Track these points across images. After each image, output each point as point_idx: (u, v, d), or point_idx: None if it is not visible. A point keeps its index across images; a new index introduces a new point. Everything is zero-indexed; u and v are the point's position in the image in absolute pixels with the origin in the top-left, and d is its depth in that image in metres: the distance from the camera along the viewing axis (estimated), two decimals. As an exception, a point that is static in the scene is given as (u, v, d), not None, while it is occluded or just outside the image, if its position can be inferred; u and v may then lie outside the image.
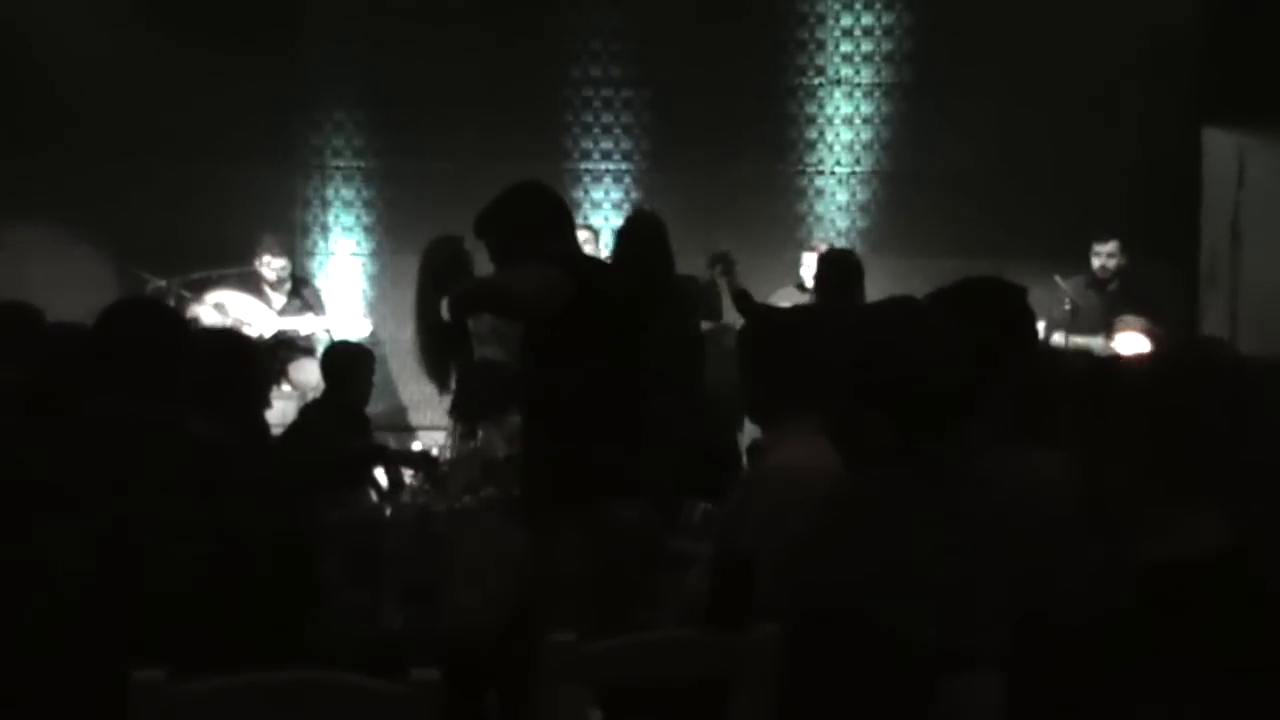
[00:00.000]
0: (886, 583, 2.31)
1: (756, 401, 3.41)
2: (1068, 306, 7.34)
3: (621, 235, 6.00)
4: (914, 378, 2.33)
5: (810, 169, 8.87)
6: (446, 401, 5.60)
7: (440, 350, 5.26)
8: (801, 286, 7.65)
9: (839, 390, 2.43)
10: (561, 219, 3.76)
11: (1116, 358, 4.37)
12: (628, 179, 8.87)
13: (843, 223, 8.82)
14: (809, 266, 7.67)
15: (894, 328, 2.42)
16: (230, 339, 4.71)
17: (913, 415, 2.33)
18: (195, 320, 7.29)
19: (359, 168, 8.85)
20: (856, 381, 2.39)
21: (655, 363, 3.85)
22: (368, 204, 8.86)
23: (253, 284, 7.68)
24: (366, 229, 8.85)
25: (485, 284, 3.59)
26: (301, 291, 7.86)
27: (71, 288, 7.24)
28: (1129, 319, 7.34)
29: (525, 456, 3.82)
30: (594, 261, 3.77)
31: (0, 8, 8.04)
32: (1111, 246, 7.60)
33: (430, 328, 5.34)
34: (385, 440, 5.49)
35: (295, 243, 8.51)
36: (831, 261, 6.47)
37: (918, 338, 2.38)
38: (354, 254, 8.85)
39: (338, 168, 8.85)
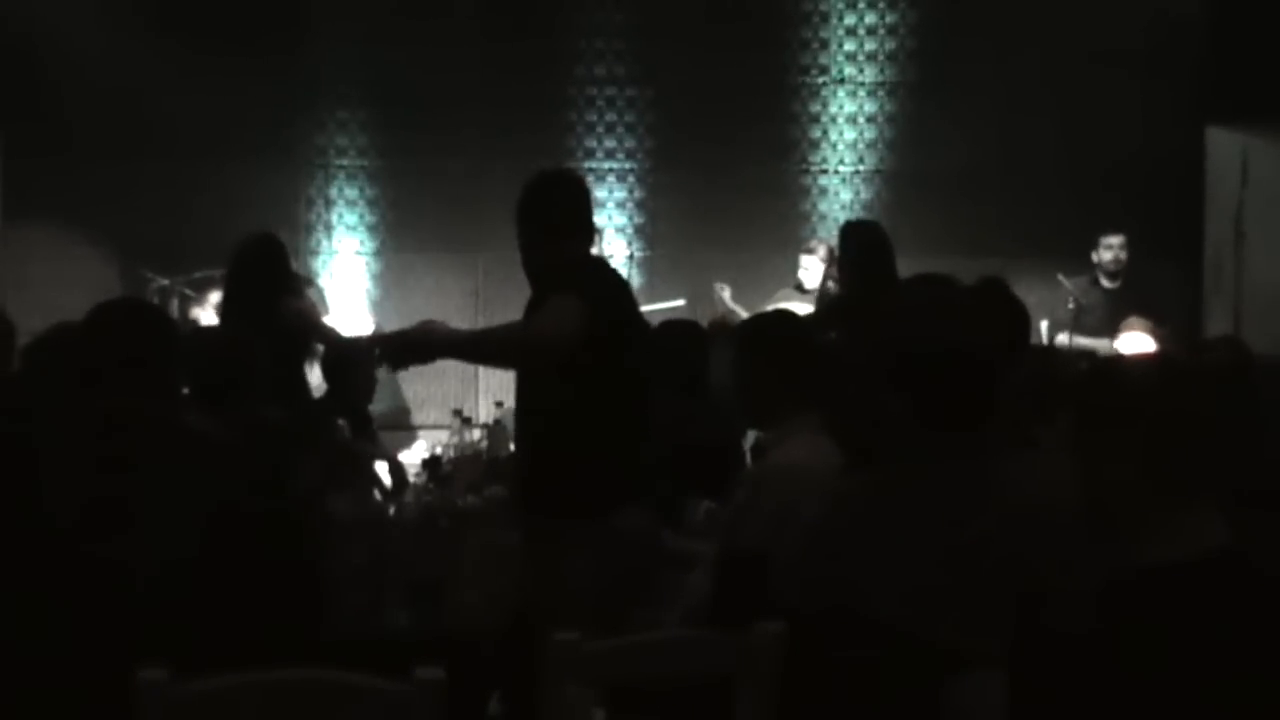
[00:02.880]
0: (892, 582, 2.31)
1: (757, 401, 3.41)
2: (1071, 306, 7.33)
3: (846, 241, 5.93)
4: (951, 364, 2.33)
5: (814, 168, 8.87)
6: (450, 400, 5.60)
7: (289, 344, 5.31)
8: (800, 288, 7.64)
9: (851, 382, 2.43)
10: (578, 219, 3.74)
11: (1116, 359, 4.36)
12: (631, 178, 8.87)
13: (846, 221, 8.82)
14: (807, 269, 7.67)
15: (931, 314, 2.42)
16: (233, 337, 4.71)
17: (941, 405, 2.32)
18: (197, 320, 7.29)
19: (362, 167, 8.85)
20: (887, 366, 2.38)
21: None
22: (371, 203, 8.86)
23: (256, 283, 7.66)
24: (370, 228, 8.85)
25: (508, 339, 3.64)
26: (305, 291, 7.85)
27: (75, 287, 7.26)
28: (1133, 319, 7.33)
29: (525, 469, 3.79)
30: (607, 281, 3.73)
31: (5, 9, 8.04)
32: (1120, 239, 7.59)
33: (283, 320, 5.34)
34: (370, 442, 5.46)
35: (299, 242, 8.51)
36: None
37: (957, 326, 2.38)
38: (357, 253, 8.85)
39: (341, 167, 8.85)
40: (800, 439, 3.19)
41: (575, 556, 3.42)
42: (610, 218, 8.76)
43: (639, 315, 3.92)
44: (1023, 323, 3.85)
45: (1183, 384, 1.92)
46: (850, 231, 6.04)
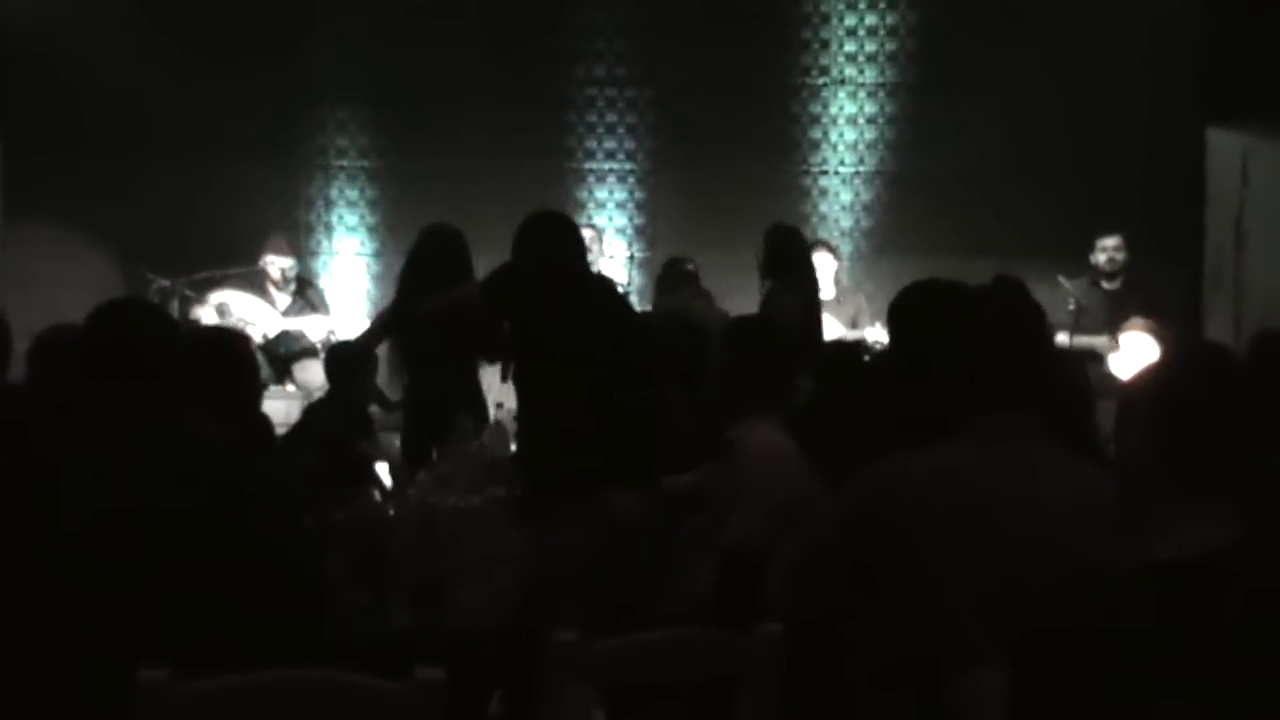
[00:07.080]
0: (896, 579, 2.31)
1: (724, 398, 3.50)
2: (1071, 307, 7.32)
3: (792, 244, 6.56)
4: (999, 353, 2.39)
5: (814, 169, 8.87)
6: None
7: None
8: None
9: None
10: (529, 256, 4.23)
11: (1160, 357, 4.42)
12: (631, 179, 8.87)
13: (846, 222, 8.83)
14: None
15: (937, 308, 2.50)
16: (225, 336, 4.71)
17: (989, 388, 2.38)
18: (198, 320, 7.28)
19: (363, 167, 8.85)
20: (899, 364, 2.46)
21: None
22: (372, 203, 8.87)
23: (257, 284, 7.67)
24: (370, 229, 8.85)
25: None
26: (305, 291, 7.84)
27: (77, 287, 7.26)
28: (1135, 319, 7.33)
29: (521, 447, 4.17)
30: (522, 275, 4.23)
31: (10, 11, 8.04)
32: (1116, 240, 7.60)
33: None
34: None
35: (299, 242, 8.51)
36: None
37: (959, 317, 2.46)
38: (358, 254, 8.85)
39: (342, 167, 8.85)
40: (762, 430, 3.30)
41: (573, 529, 3.67)
42: (610, 218, 8.76)
43: (628, 313, 4.42)
44: (1039, 320, 3.89)
45: (1203, 378, 1.90)
46: (791, 235, 6.56)
